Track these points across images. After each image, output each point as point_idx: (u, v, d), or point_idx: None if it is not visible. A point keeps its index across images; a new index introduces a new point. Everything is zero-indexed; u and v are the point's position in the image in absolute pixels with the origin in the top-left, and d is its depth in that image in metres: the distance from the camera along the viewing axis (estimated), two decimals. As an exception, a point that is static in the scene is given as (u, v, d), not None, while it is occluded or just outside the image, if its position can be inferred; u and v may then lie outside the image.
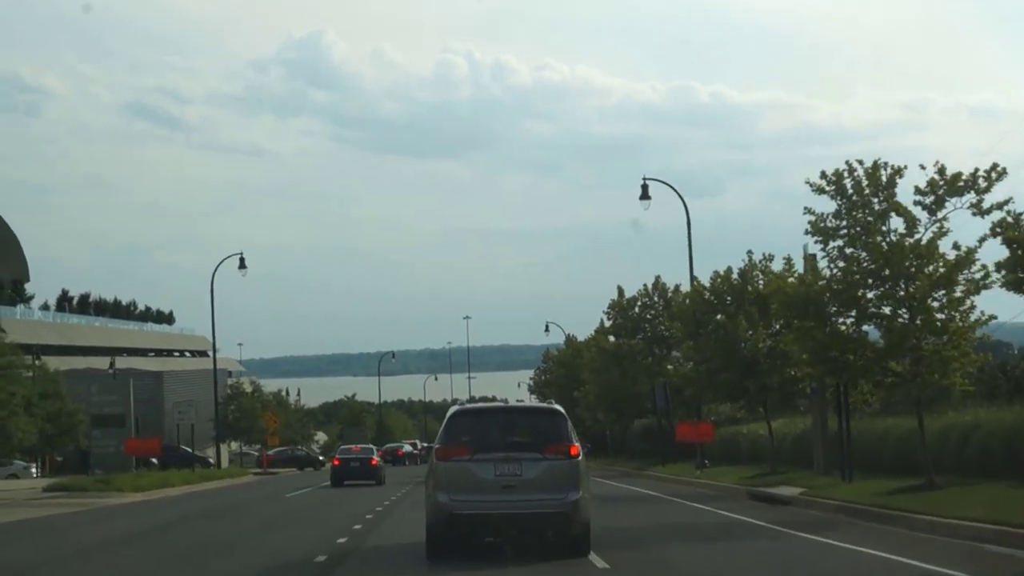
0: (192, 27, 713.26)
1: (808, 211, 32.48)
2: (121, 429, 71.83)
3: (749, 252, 45.98)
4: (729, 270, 46.28)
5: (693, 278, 56.24)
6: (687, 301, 48.40)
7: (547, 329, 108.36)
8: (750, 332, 44.77)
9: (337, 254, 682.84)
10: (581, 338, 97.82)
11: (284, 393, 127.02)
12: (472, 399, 28.66)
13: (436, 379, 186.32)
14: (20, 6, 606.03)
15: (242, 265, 74.31)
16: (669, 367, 67.45)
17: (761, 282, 45.48)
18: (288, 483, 67.05)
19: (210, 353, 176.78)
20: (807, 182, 32.39)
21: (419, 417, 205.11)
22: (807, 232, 32.82)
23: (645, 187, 58.08)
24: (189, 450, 75.12)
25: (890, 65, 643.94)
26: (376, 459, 60.67)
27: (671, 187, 58.93)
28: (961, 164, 30.45)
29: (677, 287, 67.62)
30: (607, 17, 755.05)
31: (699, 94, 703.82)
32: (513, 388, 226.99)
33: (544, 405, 22.09)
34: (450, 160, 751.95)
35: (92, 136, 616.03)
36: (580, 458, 20.69)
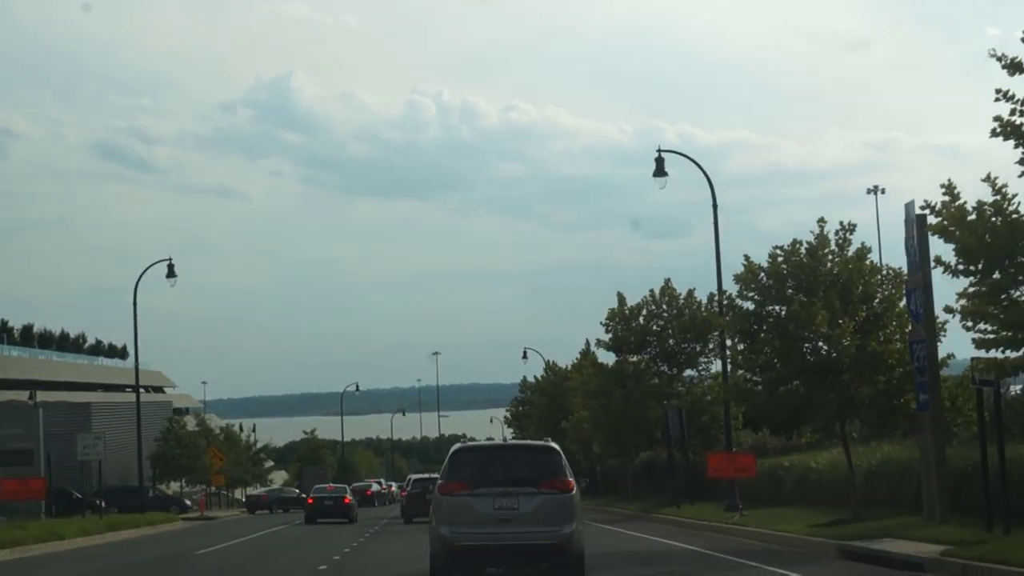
0: (160, 69, 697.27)
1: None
2: (28, 468, 58.34)
3: (821, 221, 32.50)
4: (796, 244, 32.59)
5: (719, 274, 43.51)
6: (732, 295, 34.19)
7: (525, 356, 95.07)
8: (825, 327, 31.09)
9: (306, 294, 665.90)
10: (562, 364, 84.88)
11: (237, 429, 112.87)
12: (471, 438, 29.14)
13: (404, 414, 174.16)
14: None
15: (171, 273, 60.95)
16: (681, 388, 54.15)
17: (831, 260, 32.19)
18: (224, 531, 53.71)
19: (168, 389, 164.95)
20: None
21: (387, 455, 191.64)
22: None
23: (660, 162, 45.35)
24: (79, 495, 61.10)
25: (857, 106, 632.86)
26: (349, 498, 61.53)
27: (691, 159, 46.80)
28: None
29: (691, 292, 54.35)
30: (574, 58, 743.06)
31: (666, 134, 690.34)
32: (484, 425, 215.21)
33: (540, 443, 22.66)
34: (420, 201, 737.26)
35: (61, 177, 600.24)
36: (574, 492, 21.36)
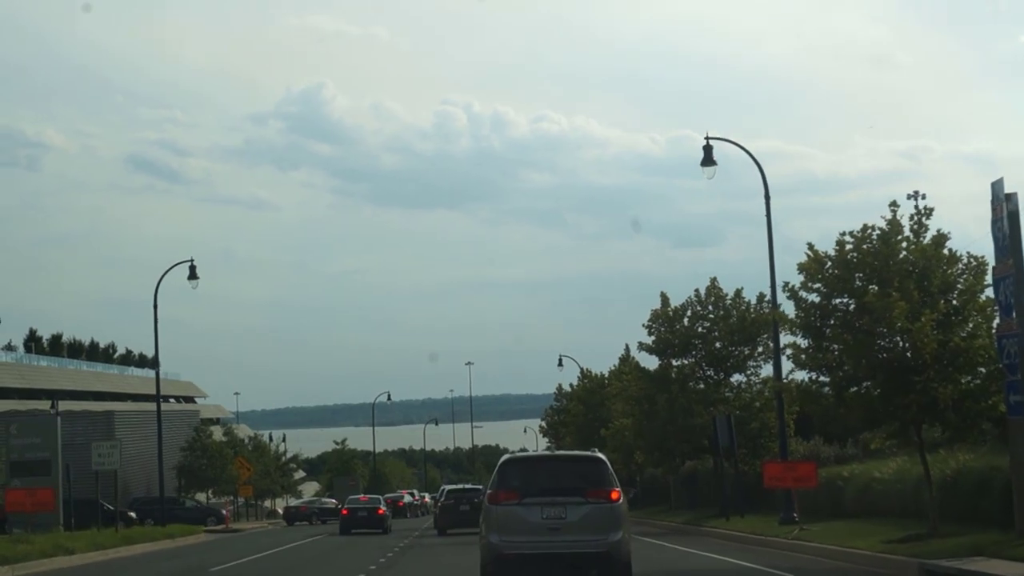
0: (192, 82, 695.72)
1: None
2: (46, 478, 55.32)
3: (893, 205, 28.98)
4: (867, 230, 29.05)
5: (772, 266, 40.31)
6: (794, 287, 30.54)
7: (560, 363, 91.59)
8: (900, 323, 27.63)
9: (338, 305, 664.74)
10: (597, 372, 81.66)
11: (267, 439, 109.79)
12: (522, 448, 28.06)
13: (436, 423, 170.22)
14: (21, 61, 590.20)
15: (192, 275, 57.93)
16: (729, 393, 50.75)
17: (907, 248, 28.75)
18: (246, 544, 50.61)
19: (199, 400, 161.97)
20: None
21: (419, 466, 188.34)
22: None
23: (708, 150, 42.12)
24: (110, 507, 58.06)
25: (887, 114, 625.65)
26: (383, 508, 60.84)
27: (740, 146, 42.99)
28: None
29: (738, 292, 50.97)
30: (604, 68, 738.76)
31: (697, 144, 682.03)
32: (517, 436, 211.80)
33: (587, 453, 23.36)
34: (451, 211, 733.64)
35: (92, 190, 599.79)
36: (621, 502, 21.39)
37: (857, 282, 28.91)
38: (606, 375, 78.46)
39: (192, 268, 57.92)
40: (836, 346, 28.99)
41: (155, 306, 58.83)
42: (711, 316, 51.19)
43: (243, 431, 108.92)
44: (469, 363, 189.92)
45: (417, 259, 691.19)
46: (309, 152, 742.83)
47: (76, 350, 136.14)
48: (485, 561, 21.51)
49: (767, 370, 50.83)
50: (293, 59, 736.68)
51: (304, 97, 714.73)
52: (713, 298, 51.25)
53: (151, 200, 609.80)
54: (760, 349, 50.39)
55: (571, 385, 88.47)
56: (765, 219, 41.69)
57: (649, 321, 52.17)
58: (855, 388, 28.88)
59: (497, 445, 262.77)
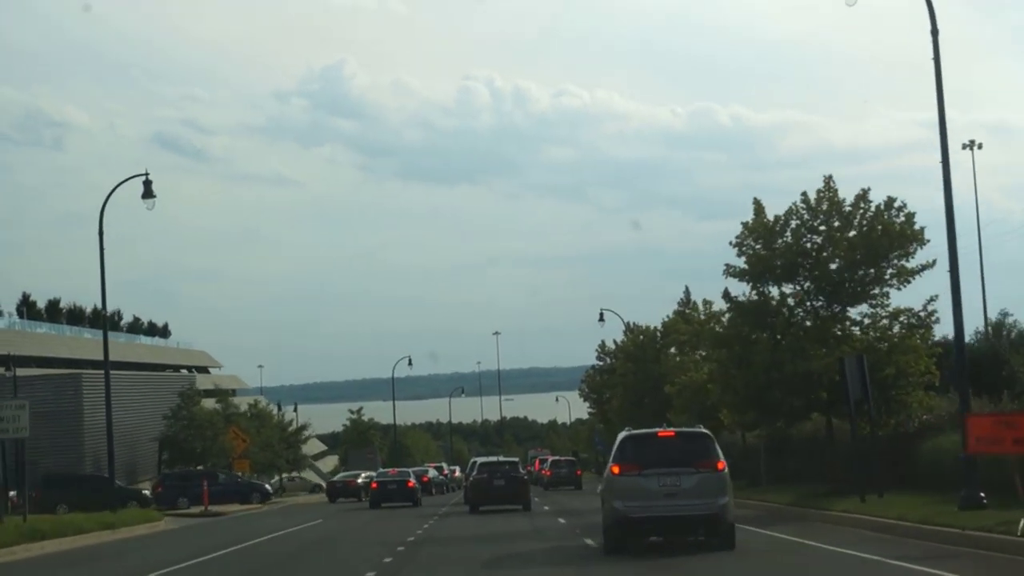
0: (213, 60, 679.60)
1: None
2: None
3: None
4: None
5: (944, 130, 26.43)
6: None
7: (601, 318, 77.14)
8: None
9: (363, 280, 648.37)
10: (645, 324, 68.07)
11: (271, 408, 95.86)
12: (638, 429, 26.14)
13: (463, 391, 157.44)
14: (44, 42, 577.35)
15: (147, 193, 43.97)
16: (855, 329, 36.83)
17: None
18: (222, 535, 37.17)
19: (214, 370, 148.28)
20: None
21: (446, 438, 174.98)
22: None
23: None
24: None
25: (906, 84, 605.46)
26: (413, 481, 59.41)
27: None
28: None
29: (864, 193, 36.67)
30: (625, 42, 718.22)
31: (718, 115, 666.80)
32: (548, 406, 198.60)
33: (694, 430, 25.46)
34: (473, 186, 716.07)
35: (116, 168, 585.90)
36: (725, 471, 23.71)
37: None
38: (658, 328, 64.72)
39: (147, 183, 43.99)
40: None
41: (100, 232, 44.85)
42: (823, 229, 36.95)
43: (245, 401, 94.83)
44: (496, 333, 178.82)
45: (441, 234, 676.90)
46: (332, 129, 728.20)
47: (76, 316, 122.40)
48: (609, 523, 23.98)
49: (897, 299, 36.91)
50: (313, 36, 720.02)
51: (326, 74, 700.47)
52: (826, 204, 36.97)
53: (175, 178, 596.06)
54: (891, 271, 36.25)
55: (615, 342, 74.74)
56: (933, 63, 27.57)
57: (739, 237, 37.96)
58: None
59: (526, 417, 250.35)
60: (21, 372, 75.80)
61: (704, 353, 48.75)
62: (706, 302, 51.38)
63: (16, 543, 31.52)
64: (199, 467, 67.01)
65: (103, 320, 47.88)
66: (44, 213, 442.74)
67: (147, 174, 44.17)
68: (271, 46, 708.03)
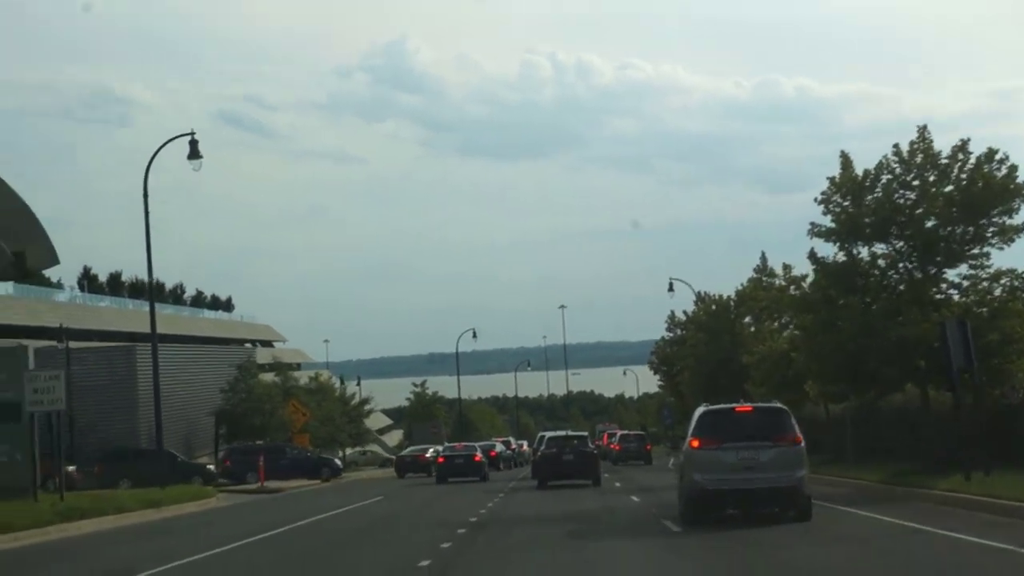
0: (276, 37, 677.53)
1: None
2: (16, 425, 38.75)
3: None
4: None
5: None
6: None
7: (671, 288, 73.99)
8: None
9: (427, 255, 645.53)
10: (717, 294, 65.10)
11: (333, 381, 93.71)
12: (717, 403, 26.09)
13: (529, 364, 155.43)
14: (108, 21, 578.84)
15: (194, 153, 41.54)
16: (952, 293, 33.76)
17: None
18: (271, 515, 34.97)
19: (278, 344, 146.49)
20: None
21: (512, 412, 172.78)
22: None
23: None
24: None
25: (979, 54, 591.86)
26: (479, 455, 58.84)
27: None
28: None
29: (963, 145, 33.45)
30: (688, 14, 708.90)
31: (784, 88, 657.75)
32: (616, 380, 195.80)
33: (771, 405, 25.72)
34: (537, 160, 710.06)
35: (183, 145, 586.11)
36: (802, 445, 24.17)
37: None
38: (731, 296, 61.73)
39: (193, 144, 41.58)
40: None
41: (145, 194, 42.46)
42: (917, 183, 33.82)
43: (305, 375, 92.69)
44: (562, 306, 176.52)
45: (505, 208, 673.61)
46: (395, 104, 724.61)
47: (138, 290, 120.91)
48: (689, 496, 24.22)
49: (999, 259, 33.76)
50: (377, 11, 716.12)
51: (388, 50, 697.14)
52: (921, 156, 33.83)
53: (239, 154, 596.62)
54: (992, 229, 33.08)
55: (685, 312, 71.77)
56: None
57: (825, 194, 34.90)
58: None
59: (592, 391, 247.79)
60: (82, 345, 74.29)
61: (784, 320, 45.76)
62: (785, 266, 48.36)
63: (49, 523, 29.28)
64: (258, 442, 64.82)
65: (149, 288, 45.66)
66: (109, 189, 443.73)
67: (193, 133, 41.87)
68: (334, 21, 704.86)
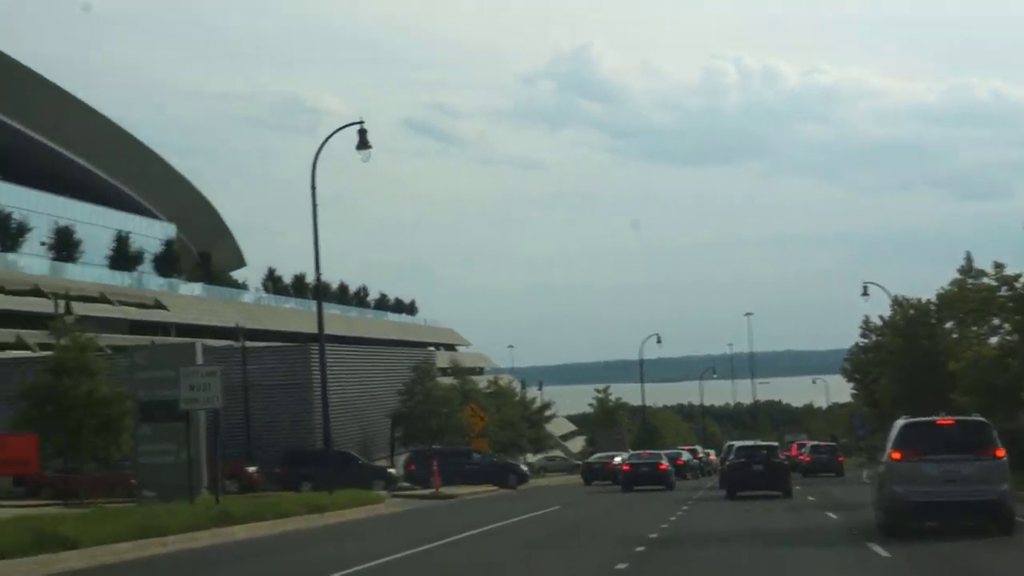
0: (462, 45, 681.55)
1: None
2: (182, 425, 36.95)
3: None
4: None
5: None
6: None
7: (865, 292, 70.00)
8: None
9: (611, 261, 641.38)
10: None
11: (514, 385, 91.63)
12: (918, 416, 25.80)
13: (714, 372, 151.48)
14: (299, 31, 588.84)
15: (363, 144, 39.65)
16: None
17: None
18: (436, 524, 32.92)
19: (462, 348, 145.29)
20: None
21: (697, 420, 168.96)
22: None
23: None
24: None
25: None
26: (665, 464, 58.21)
27: None
28: None
29: None
30: (875, 17, 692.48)
31: (977, 91, 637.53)
32: (805, 389, 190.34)
33: (972, 419, 25.60)
34: (723, 167, 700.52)
35: (376, 155, 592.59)
36: (1005, 459, 23.82)
37: None
38: (931, 300, 57.62)
39: (362, 134, 39.66)
40: None
41: (312, 186, 40.75)
42: None
43: (483, 380, 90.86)
44: (748, 313, 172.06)
45: (690, 215, 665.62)
46: (579, 111, 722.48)
47: (322, 292, 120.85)
48: (889, 508, 23.82)
49: None
50: (562, 18, 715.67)
51: (573, 56, 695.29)
52: None
53: (425, 162, 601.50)
54: None
55: (880, 317, 67.66)
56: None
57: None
58: None
59: (780, 400, 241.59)
60: (260, 345, 73.58)
61: (995, 323, 41.87)
62: (997, 265, 44.25)
63: (202, 527, 27.38)
64: (434, 446, 62.94)
65: (317, 284, 44.32)
66: (297, 195, 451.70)
67: (362, 122, 39.91)
68: (520, 29, 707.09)
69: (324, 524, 33.07)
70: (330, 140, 41.52)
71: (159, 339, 76.49)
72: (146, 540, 24.65)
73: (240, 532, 28.46)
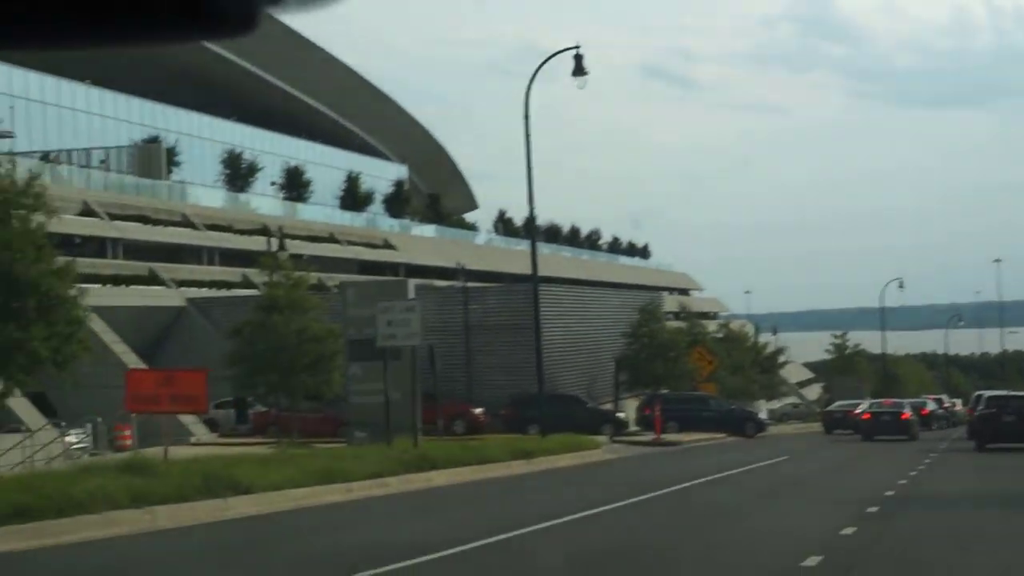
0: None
1: None
2: (395, 363, 35.33)
3: None
4: None
5: None
6: None
7: None
8: None
9: (854, 207, 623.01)
10: None
11: (746, 329, 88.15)
12: None
13: (960, 319, 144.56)
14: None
15: (578, 70, 37.19)
16: None
17: None
18: (641, 474, 30.66)
19: (695, 293, 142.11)
20: None
21: (940, 369, 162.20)
22: None
23: None
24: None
25: None
26: (908, 413, 56.35)
27: None
28: None
29: None
30: None
31: None
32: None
33: None
34: (972, 110, 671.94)
35: (605, 99, 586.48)
36: None
37: None
38: None
39: (578, 59, 37.19)
40: None
41: (526, 116, 38.40)
42: None
43: (714, 324, 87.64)
44: (997, 260, 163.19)
45: (936, 160, 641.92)
46: (820, 54, 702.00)
47: (552, 235, 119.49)
48: None
49: None
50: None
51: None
52: None
53: (663, 107, 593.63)
54: None
55: None
56: None
57: None
58: None
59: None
60: (484, 285, 72.16)
61: None
62: None
63: (393, 472, 25.49)
64: (663, 390, 60.33)
65: (530, 219, 41.93)
66: (542, 142, 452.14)
67: (578, 47, 37.38)
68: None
69: (527, 472, 30.96)
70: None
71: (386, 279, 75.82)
72: (328, 486, 22.85)
73: (439, 478, 26.58)
